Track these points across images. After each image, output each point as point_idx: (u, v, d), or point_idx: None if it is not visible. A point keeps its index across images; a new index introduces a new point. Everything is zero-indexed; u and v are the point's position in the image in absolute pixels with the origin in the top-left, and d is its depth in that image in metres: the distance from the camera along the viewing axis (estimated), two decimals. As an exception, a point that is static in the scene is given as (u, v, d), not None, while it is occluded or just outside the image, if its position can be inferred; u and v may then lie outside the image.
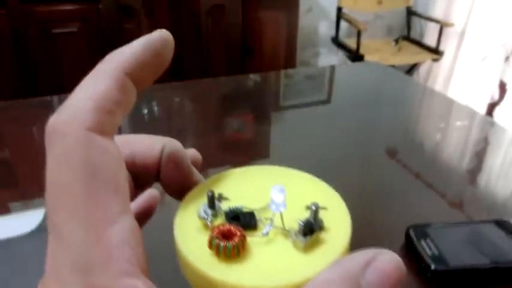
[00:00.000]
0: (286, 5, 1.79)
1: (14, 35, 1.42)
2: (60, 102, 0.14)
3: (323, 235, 0.15)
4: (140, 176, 0.19)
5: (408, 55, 2.06)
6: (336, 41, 2.19)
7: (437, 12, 2.21)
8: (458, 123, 0.68)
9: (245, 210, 0.16)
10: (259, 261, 0.15)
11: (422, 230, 0.38)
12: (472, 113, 0.71)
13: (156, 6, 1.45)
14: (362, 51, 1.97)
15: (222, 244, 0.14)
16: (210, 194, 0.16)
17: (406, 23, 2.30)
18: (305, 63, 2.34)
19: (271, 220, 0.16)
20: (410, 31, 2.29)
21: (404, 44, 2.14)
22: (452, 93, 2.15)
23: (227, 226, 0.15)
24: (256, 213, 0.16)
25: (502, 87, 2.02)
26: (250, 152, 0.57)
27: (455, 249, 0.36)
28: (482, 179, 0.53)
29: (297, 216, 0.16)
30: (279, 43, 1.83)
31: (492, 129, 0.66)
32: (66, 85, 0.15)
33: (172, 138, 0.19)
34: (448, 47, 2.13)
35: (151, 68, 0.15)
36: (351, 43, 2.05)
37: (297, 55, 1.90)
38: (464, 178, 0.54)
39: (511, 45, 1.94)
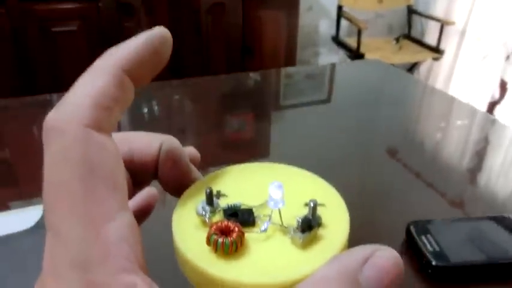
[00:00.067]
0: (286, 3, 1.79)
1: (14, 33, 1.42)
2: (60, 100, 0.14)
3: (321, 232, 0.15)
4: (138, 173, 0.19)
5: (409, 54, 2.06)
6: (337, 40, 2.19)
7: (438, 11, 2.21)
8: (459, 122, 0.68)
9: (243, 207, 0.16)
10: (258, 258, 0.14)
11: (423, 226, 0.38)
12: (473, 111, 0.71)
13: (156, 5, 1.45)
14: (362, 50, 1.96)
15: (220, 240, 0.14)
16: (208, 190, 0.16)
17: (407, 22, 2.30)
18: (305, 62, 2.34)
19: (270, 217, 0.16)
20: (411, 30, 2.29)
21: (405, 43, 2.14)
22: (452, 92, 2.14)
23: (225, 222, 0.15)
24: (254, 210, 0.16)
25: (503, 86, 2.02)
26: (250, 151, 0.57)
27: (456, 245, 0.36)
28: (484, 178, 0.53)
29: (295, 213, 0.16)
30: (279, 42, 1.83)
31: (494, 127, 0.66)
32: (65, 84, 0.15)
33: (170, 136, 0.19)
34: (448, 45, 2.13)
35: (149, 65, 0.15)
36: (352, 42, 2.05)
37: (297, 54, 1.90)
38: (466, 177, 0.53)
39: (512, 44, 1.94)
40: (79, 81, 0.14)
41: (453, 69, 2.20)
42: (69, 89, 0.14)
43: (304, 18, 2.15)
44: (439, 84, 2.23)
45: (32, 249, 0.29)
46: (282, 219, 0.16)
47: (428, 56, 2.06)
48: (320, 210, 0.16)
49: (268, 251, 0.15)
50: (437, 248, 0.35)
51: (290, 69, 1.10)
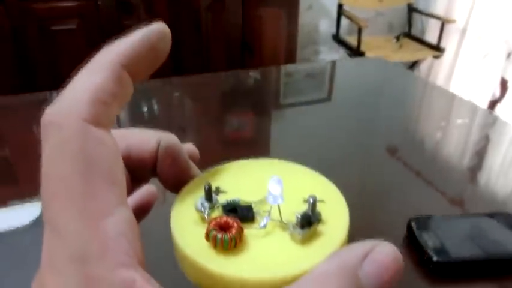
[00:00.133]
0: (286, 2, 1.79)
1: (13, 32, 1.42)
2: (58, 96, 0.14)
3: (321, 228, 0.15)
4: (137, 170, 0.19)
5: (409, 52, 2.06)
6: (337, 39, 2.18)
7: (439, 9, 2.20)
8: (460, 120, 0.68)
9: (242, 203, 0.16)
10: (257, 254, 0.14)
11: (424, 222, 0.38)
12: (475, 108, 0.70)
13: (155, 2, 1.45)
14: (363, 48, 1.96)
15: (220, 236, 0.14)
16: (207, 186, 0.16)
17: (407, 20, 2.30)
18: (305, 61, 2.33)
19: (269, 213, 0.16)
20: (412, 28, 2.28)
21: (406, 41, 2.13)
22: (453, 90, 2.14)
23: (224, 218, 0.15)
24: (253, 206, 0.16)
25: (504, 85, 2.02)
26: (249, 149, 0.57)
27: (457, 241, 0.36)
28: (484, 176, 0.53)
29: (294, 209, 0.15)
30: (279, 41, 1.82)
31: (495, 124, 0.66)
32: (65, 82, 0.15)
33: (168, 132, 0.19)
34: (449, 44, 2.12)
35: (147, 61, 0.15)
36: (352, 40, 2.04)
37: (297, 53, 1.90)
38: (467, 175, 0.53)
39: (512, 42, 1.94)
40: (77, 76, 0.14)
41: (454, 67, 2.20)
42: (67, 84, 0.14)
43: (304, 17, 2.15)
44: (439, 83, 2.22)
45: (32, 245, 0.29)
46: (281, 215, 0.15)
47: (429, 54, 2.06)
48: (319, 206, 0.16)
49: (268, 247, 0.15)
50: (438, 244, 0.35)
51: (290, 67, 1.10)
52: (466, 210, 0.45)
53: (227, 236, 0.14)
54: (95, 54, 0.15)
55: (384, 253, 0.13)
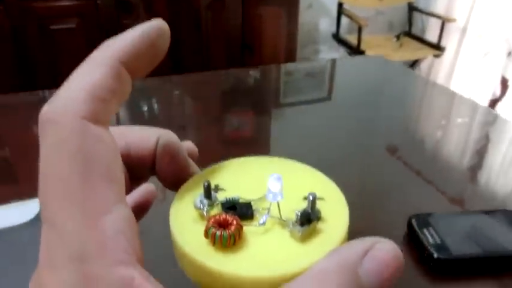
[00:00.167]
0: (286, 1, 1.78)
1: (13, 31, 1.41)
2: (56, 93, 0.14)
3: (320, 225, 0.15)
4: (135, 168, 0.19)
5: (409, 51, 2.05)
6: (337, 37, 2.18)
7: (439, 8, 2.20)
8: (461, 118, 0.67)
9: (242, 200, 0.16)
10: (256, 251, 0.14)
11: (424, 220, 0.38)
12: (475, 106, 0.70)
13: (155, 1, 1.45)
14: (363, 47, 1.96)
15: (218, 233, 0.14)
16: (206, 184, 0.16)
17: (408, 19, 2.29)
18: (305, 60, 2.33)
19: (268, 210, 0.15)
20: (412, 27, 2.28)
21: (406, 40, 2.13)
22: (453, 89, 2.14)
23: (223, 215, 0.15)
24: (253, 204, 0.16)
25: (504, 84, 2.02)
26: (249, 148, 0.57)
27: (457, 238, 0.36)
28: (485, 175, 0.53)
29: (294, 207, 0.15)
30: (279, 40, 1.82)
31: (496, 123, 0.66)
32: (64, 80, 0.15)
33: (167, 130, 0.19)
34: (449, 42, 2.12)
35: (146, 57, 0.15)
36: (352, 39, 2.04)
37: (297, 52, 1.89)
38: (467, 174, 0.53)
39: (513, 40, 1.93)
40: (75, 73, 0.14)
41: (454, 66, 2.19)
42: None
43: (304, 16, 2.14)
44: (439, 82, 2.22)
45: (31, 242, 0.29)
46: (281, 212, 0.15)
47: (429, 53, 2.05)
48: (319, 204, 0.16)
49: (267, 244, 0.15)
50: (438, 241, 0.35)
51: (290, 65, 1.10)
52: (466, 209, 0.45)
53: (226, 233, 0.14)
54: (93, 52, 0.15)
55: (384, 250, 0.13)
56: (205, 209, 0.16)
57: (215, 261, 0.14)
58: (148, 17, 0.16)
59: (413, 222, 0.38)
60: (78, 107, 0.13)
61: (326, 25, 2.31)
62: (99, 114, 0.13)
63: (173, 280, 0.15)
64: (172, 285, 0.13)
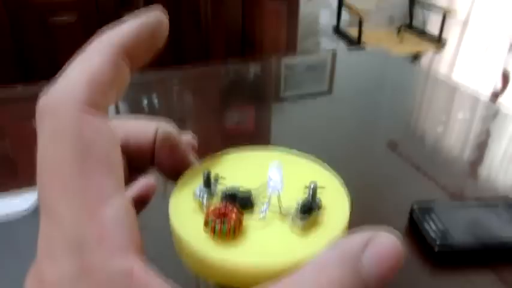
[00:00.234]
0: (287, -6, 1.77)
1: (12, 25, 1.41)
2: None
3: (321, 215, 0.15)
4: (135, 159, 0.18)
5: (410, 45, 2.04)
6: (337, 31, 2.17)
7: (440, 1, 2.18)
8: (462, 112, 0.67)
9: (242, 190, 0.16)
10: (256, 242, 0.14)
11: (426, 210, 0.38)
12: (476, 99, 0.70)
13: (155, -5, 1.43)
14: (364, 40, 1.95)
15: (218, 227, 0.14)
16: (206, 173, 0.16)
17: (409, 12, 2.28)
18: (306, 53, 2.32)
19: (269, 200, 0.15)
20: (413, 20, 2.27)
21: (407, 34, 2.12)
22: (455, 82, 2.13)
23: (223, 206, 0.15)
24: (253, 193, 0.16)
25: (505, 77, 2.01)
26: (250, 142, 0.56)
27: (459, 228, 0.36)
28: (486, 168, 0.53)
29: (295, 197, 0.15)
30: (280, 33, 1.81)
31: (497, 115, 0.66)
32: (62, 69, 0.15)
33: (166, 121, 0.19)
34: (450, 36, 2.11)
35: (145, 46, 0.15)
36: (353, 32, 2.03)
37: (297, 45, 1.88)
38: (468, 166, 0.53)
39: (515, 34, 1.92)
40: (73, 61, 0.14)
41: (455, 60, 2.18)
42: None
43: (305, 8, 2.13)
44: (440, 76, 2.21)
45: (29, 233, 0.29)
46: (281, 203, 0.15)
47: (430, 47, 2.04)
48: (320, 194, 0.16)
49: (267, 235, 0.15)
50: (441, 230, 0.35)
51: (291, 58, 1.09)
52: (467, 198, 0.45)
53: (226, 226, 0.14)
54: (92, 40, 0.14)
55: (385, 242, 0.13)
56: (205, 199, 0.16)
57: (215, 252, 0.14)
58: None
59: (415, 212, 0.37)
60: (77, 95, 0.13)
61: (327, 18, 2.29)
62: (98, 102, 0.13)
63: (173, 271, 0.15)
64: (171, 276, 0.13)
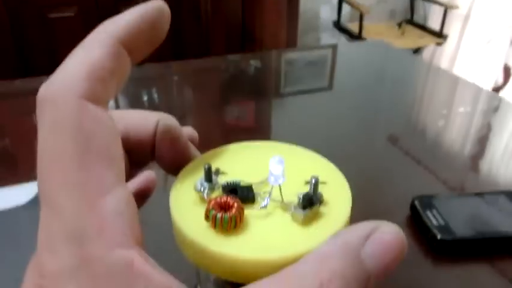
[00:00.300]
0: (287, -12, 1.76)
1: (11, 20, 1.40)
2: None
3: (323, 209, 0.15)
4: (135, 152, 0.18)
5: (411, 39, 2.03)
6: (338, 25, 2.16)
7: (442, -5, 2.17)
8: (462, 106, 0.67)
9: (243, 183, 0.16)
10: (258, 234, 0.14)
11: (427, 201, 0.38)
12: (479, 91, 0.70)
13: (155, -11, 1.43)
14: (364, 35, 1.94)
15: (219, 216, 0.14)
16: (207, 167, 0.16)
17: (410, 7, 2.26)
18: (306, 48, 2.31)
19: (270, 193, 0.15)
20: (414, 15, 2.25)
21: (408, 28, 2.11)
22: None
23: (224, 198, 0.14)
24: (254, 187, 0.16)
25: (507, 71, 2.00)
26: (250, 137, 0.56)
27: (461, 219, 0.36)
28: (487, 161, 0.53)
29: (296, 191, 0.15)
30: (280, 27, 1.80)
31: (500, 107, 0.65)
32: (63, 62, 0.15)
33: (167, 114, 0.19)
34: (452, 30, 2.10)
35: (146, 38, 0.15)
36: (353, 27, 2.02)
37: (298, 40, 1.87)
38: (470, 159, 0.53)
39: (516, 28, 1.91)
40: (73, 52, 0.14)
41: (456, 54, 2.18)
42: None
43: (305, 3, 2.12)
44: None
45: (29, 225, 0.29)
46: (283, 196, 0.15)
47: (431, 41, 2.03)
48: (322, 188, 0.16)
49: (269, 228, 0.14)
50: (442, 222, 0.35)
51: (291, 52, 1.09)
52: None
53: (227, 216, 0.14)
54: (92, 31, 0.14)
55: (387, 233, 0.13)
56: (206, 192, 0.16)
57: (216, 244, 0.14)
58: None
59: (417, 203, 0.38)
60: (77, 86, 0.13)
61: (327, 13, 2.28)
62: (98, 94, 0.13)
63: (174, 263, 0.15)
64: (172, 268, 0.13)
